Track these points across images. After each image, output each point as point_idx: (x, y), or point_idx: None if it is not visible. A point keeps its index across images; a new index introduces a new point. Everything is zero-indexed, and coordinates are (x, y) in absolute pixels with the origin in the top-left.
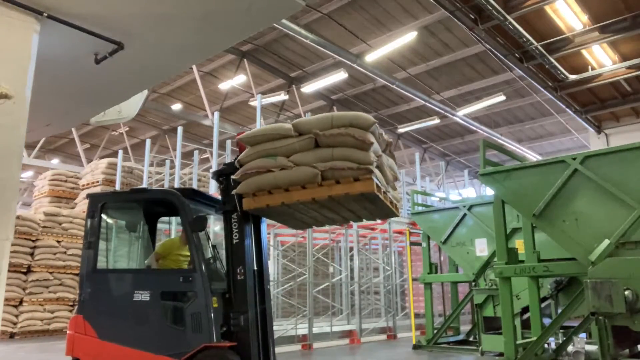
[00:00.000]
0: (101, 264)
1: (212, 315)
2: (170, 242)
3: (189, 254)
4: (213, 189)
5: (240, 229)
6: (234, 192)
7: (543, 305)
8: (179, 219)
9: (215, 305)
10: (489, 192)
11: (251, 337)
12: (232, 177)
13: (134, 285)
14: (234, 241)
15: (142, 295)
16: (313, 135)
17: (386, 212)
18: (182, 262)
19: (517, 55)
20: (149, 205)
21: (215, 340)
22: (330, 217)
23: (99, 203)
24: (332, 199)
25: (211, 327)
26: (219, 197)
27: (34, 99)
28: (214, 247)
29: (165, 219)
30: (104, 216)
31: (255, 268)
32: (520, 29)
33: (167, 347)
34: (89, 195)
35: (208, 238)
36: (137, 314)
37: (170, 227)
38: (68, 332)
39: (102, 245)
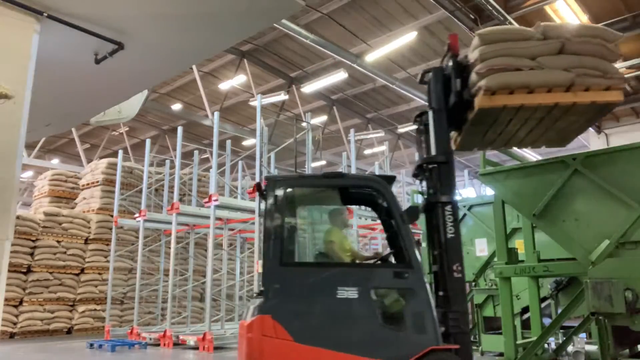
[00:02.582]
0: (287, 256)
1: (435, 315)
2: (335, 230)
3: (350, 246)
4: (213, 189)
5: (455, 222)
6: (481, 83)
7: (543, 305)
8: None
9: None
10: (489, 192)
11: (469, 339)
12: (475, 70)
13: (335, 281)
14: (449, 235)
15: (349, 293)
16: (561, 41)
17: (573, 135)
18: (346, 254)
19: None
20: (343, 193)
21: (440, 342)
22: (521, 136)
23: (282, 187)
24: (568, 108)
25: (436, 328)
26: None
27: (34, 99)
28: (417, 242)
29: None
30: (287, 202)
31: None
32: None
33: (386, 350)
34: (268, 178)
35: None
36: (343, 314)
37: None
38: (249, 335)
39: (286, 235)
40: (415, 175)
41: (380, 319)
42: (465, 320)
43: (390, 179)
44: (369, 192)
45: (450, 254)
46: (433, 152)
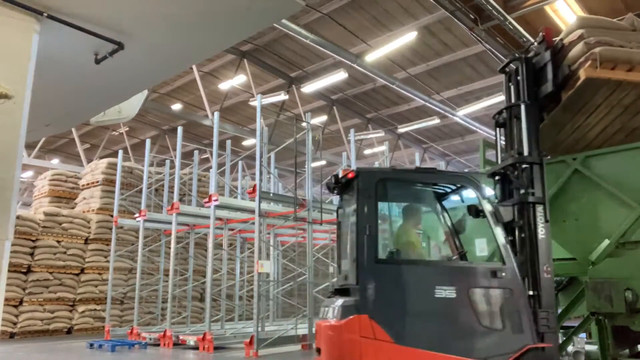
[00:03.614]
0: (381, 253)
1: (531, 313)
2: (411, 230)
3: (420, 245)
4: (213, 189)
5: (546, 223)
6: (594, 50)
7: None
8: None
9: None
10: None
11: (558, 338)
12: (585, 40)
13: (432, 280)
14: (540, 236)
15: (447, 292)
16: None
17: None
18: (422, 253)
19: (517, 55)
20: (435, 189)
21: (536, 340)
22: (591, 136)
23: (374, 180)
24: None
25: (532, 327)
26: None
27: (34, 99)
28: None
29: None
30: (379, 196)
31: None
32: (520, 29)
33: (486, 350)
34: (359, 170)
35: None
36: (442, 313)
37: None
38: (346, 336)
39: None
40: (493, 174)
41: (479, 318)
42: (553, 319)
43: (480, 178)
44: (459, 189)
45: (542, 255)
46: (525, 151)
